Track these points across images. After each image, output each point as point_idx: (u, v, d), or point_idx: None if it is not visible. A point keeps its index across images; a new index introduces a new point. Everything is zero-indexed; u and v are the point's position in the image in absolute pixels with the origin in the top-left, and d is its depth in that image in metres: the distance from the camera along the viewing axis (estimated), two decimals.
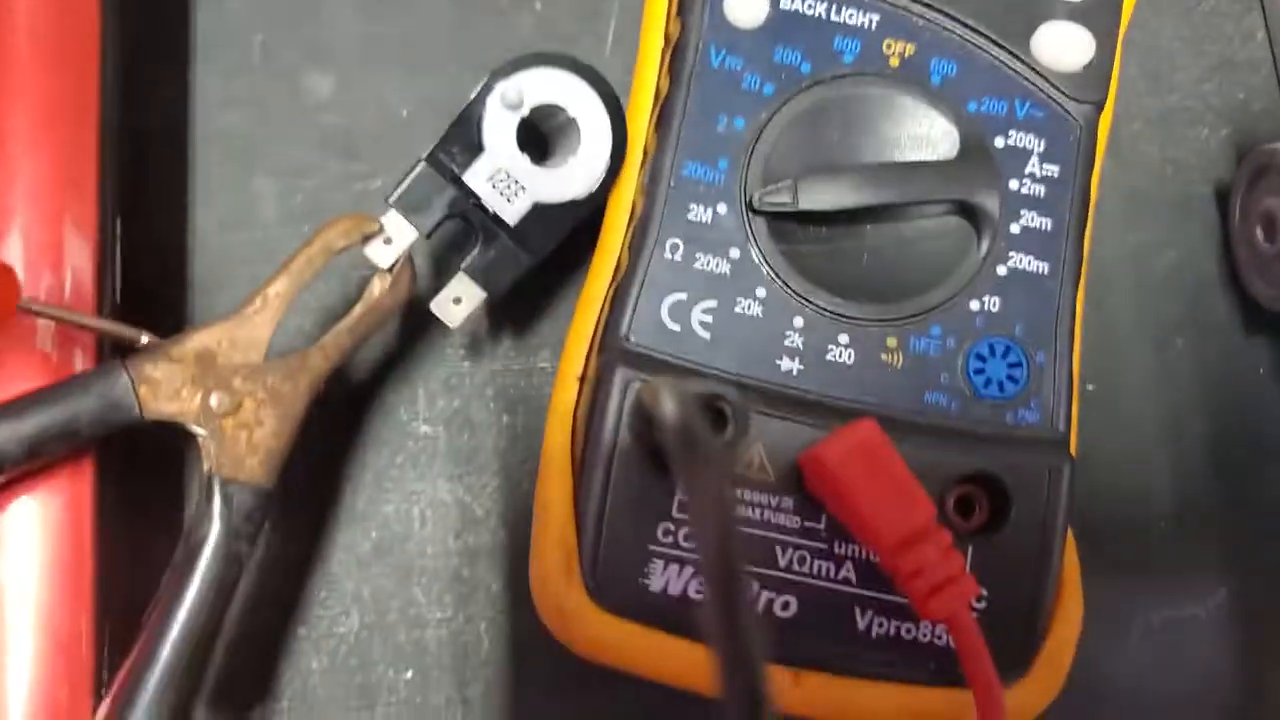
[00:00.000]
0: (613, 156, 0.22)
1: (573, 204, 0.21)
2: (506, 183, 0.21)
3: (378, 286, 0.21)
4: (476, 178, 0.21)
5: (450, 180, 0.21)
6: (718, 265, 0.21)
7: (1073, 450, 0.21)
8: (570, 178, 0.21)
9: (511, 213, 0.21)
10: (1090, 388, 0.26)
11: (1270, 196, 0.25)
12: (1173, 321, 0.27)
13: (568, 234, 0.22)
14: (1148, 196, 0.28)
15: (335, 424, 0.24)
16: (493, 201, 0.21)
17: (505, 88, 0.21)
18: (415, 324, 0.25)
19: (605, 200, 0.22)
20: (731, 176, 0.21)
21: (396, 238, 0.21)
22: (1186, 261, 0.27)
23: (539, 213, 0.21)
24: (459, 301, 0.21)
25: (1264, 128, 0.28)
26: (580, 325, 0.21)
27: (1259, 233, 0.26)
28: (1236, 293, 0.27)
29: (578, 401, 0.21)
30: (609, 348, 0.20)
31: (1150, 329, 0.27)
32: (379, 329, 0.22)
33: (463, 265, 0.21)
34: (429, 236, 0.21)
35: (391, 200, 0.21)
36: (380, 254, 0.21)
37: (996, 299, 0.21)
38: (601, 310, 0.21)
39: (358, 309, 0.21)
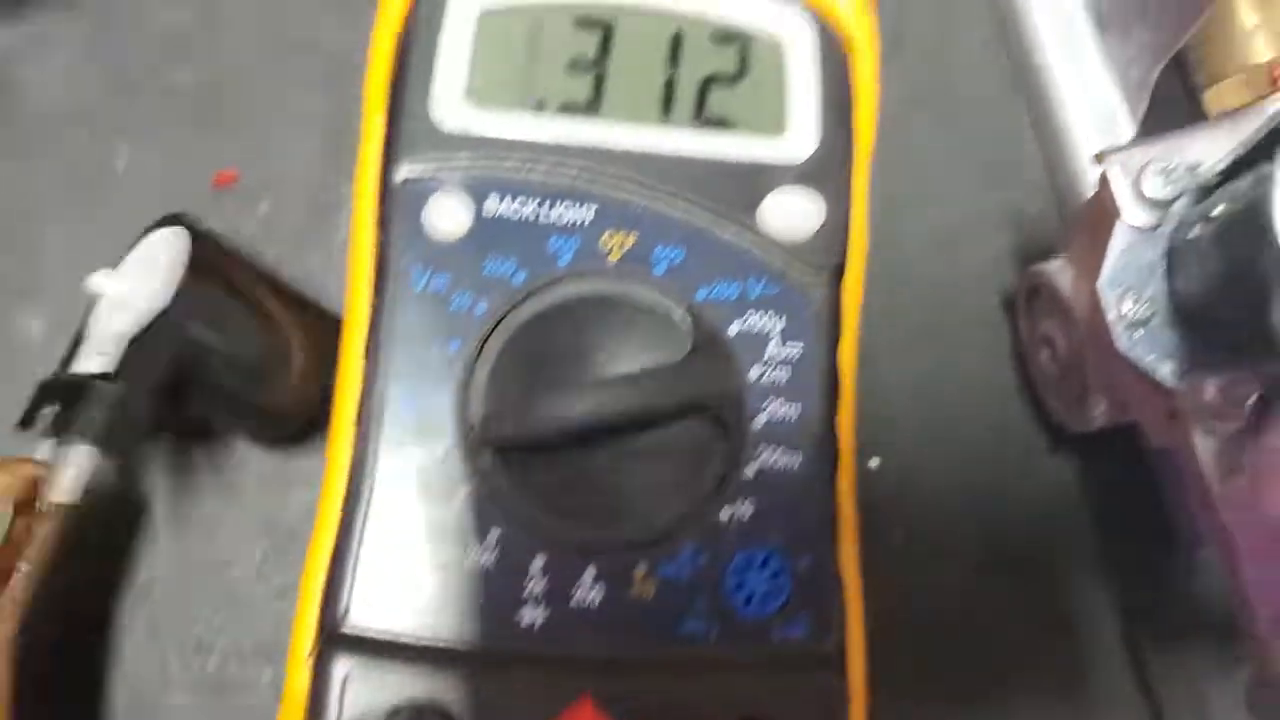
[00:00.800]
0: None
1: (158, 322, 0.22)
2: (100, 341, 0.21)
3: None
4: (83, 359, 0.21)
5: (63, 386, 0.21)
6: (443, 512, 0.19)
7: (857, 651, 0.20)
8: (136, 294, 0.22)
9: (109, 360, 0.21)
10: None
11: (1046, 319, 0.24)
12: (975, 438, 0.26)
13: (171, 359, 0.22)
14: (939, 319, 0.27)
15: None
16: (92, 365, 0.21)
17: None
18: None
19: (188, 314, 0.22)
20: (450, 409, 0.19)
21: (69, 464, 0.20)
22: (980, 376, 0.27)
23: (135, 348, 0.21)
24: (72, 471, 0.21)
25: (1042, 231, 0.28)
26: (307, 595, 0.19)
27: (1043, 354, 0.25)
28: (1035, 406, 0.26)
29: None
30: (326, 629, 0.18)
31: (952, 447, 0.26)
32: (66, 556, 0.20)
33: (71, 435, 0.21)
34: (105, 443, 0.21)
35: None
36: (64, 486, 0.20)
37: (749, 504, 0.19)
38: (322, 577, 0.19)
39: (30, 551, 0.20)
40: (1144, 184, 0.20)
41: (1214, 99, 0.25)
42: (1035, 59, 0.28)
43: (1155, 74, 0.25)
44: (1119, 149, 0.21)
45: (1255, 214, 0.17)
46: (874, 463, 0.25)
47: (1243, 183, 0.18)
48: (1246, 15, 0.25)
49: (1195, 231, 0.20)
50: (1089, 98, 0.27)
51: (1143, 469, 0.25)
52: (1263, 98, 0.24)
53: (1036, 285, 0.24)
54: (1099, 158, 0.21)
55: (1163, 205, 0.20)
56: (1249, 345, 0.18)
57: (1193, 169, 0.20)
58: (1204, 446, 0.20)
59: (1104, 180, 0.21)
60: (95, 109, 0.25)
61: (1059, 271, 0.24)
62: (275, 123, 0.25)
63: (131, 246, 0.22)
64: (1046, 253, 0.25)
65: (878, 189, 0.26)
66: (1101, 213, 0.21)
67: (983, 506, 0.26)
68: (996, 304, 0.27)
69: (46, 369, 0.22)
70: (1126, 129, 0.26)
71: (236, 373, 0.23)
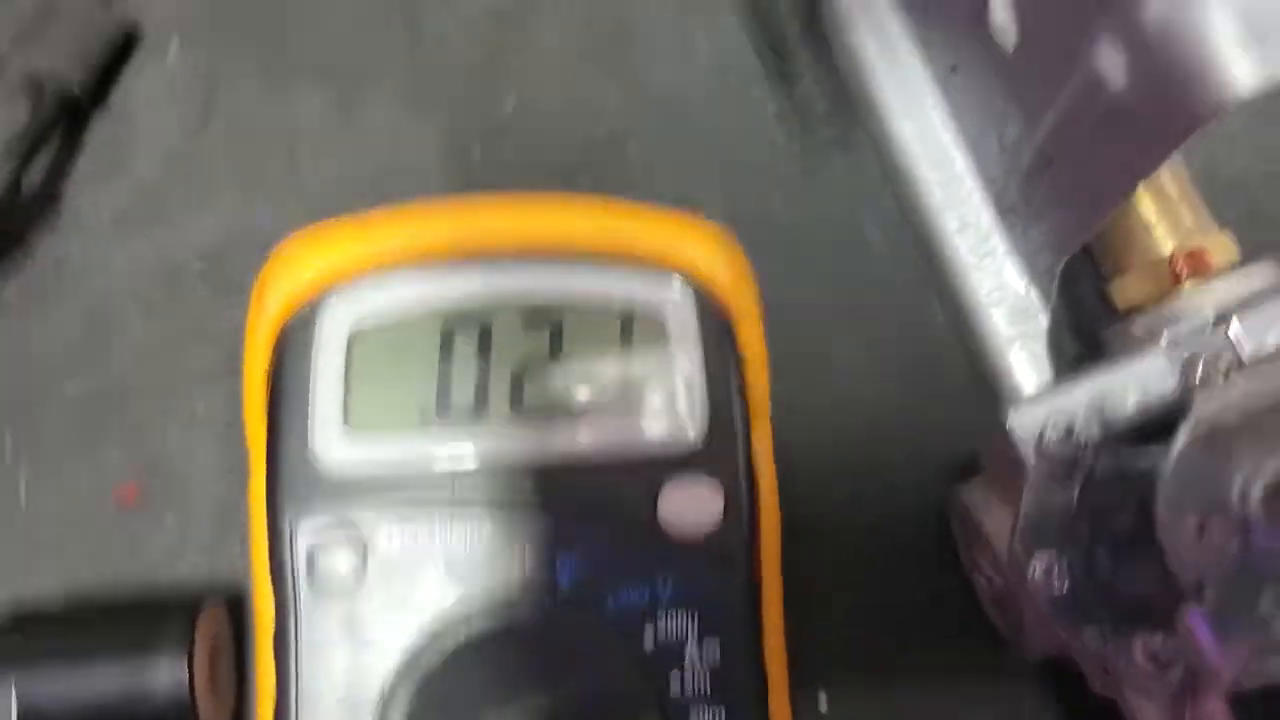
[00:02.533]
0: None
1: None
2: None
3: None
4: None
5: None
6: None
7: None
8: None
9: None
10: None
11: (976, 545, 0.24)
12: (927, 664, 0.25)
13: None
14: (873, 537, 0.26)
15: None
16: None
17: None
18: None
19: None
20: None
21: None
22: (925, 595, 0.26)
23: None
24: None
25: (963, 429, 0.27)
26: None
27: (979, 578, 0.24)
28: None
29: None
30: None
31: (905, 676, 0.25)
32: None
33: None
34: None
35: None
36: None
37: None
38: None
39: None
40: (1044, 441, 0.20)
41: (1119, 291, 0.25)
42: (944, 251, 0.28)
43: (1059, 266, 0.25)
44: (1022, 405, 0.20)
45: (1146, 497, 0.17)
46: (823, 704, 0.25)
47: (1139, 455, 0.18)
48: (1145, 209, 0.24)
49: (1100, 489, 0.19)
50: (1001, 288, 0.27)
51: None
52: (1164, 292, 0.24)
53: (955, 510, 0.24)
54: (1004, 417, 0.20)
55: (1069, 461, 0.20)
56: (1157, 613, 0.18)
57: (1098, 415, 0.20)
58: (1143, 706, 0.19)
59: (1009, 433, 0.20)
60: None
61: (981, 502, 0.23)
62: (172, 425, 0.25)
63: None
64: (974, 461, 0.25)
65: (790, 402, 0.26)
66: (1011, 462, 0.21)
67: None
68: (932, 515, 0.26)
69: None
70: (1041, 316, 0.26)
71: None
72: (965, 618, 0.25)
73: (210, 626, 0.22)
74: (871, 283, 0.28)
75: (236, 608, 0.23)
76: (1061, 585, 0.19)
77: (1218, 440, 0.16)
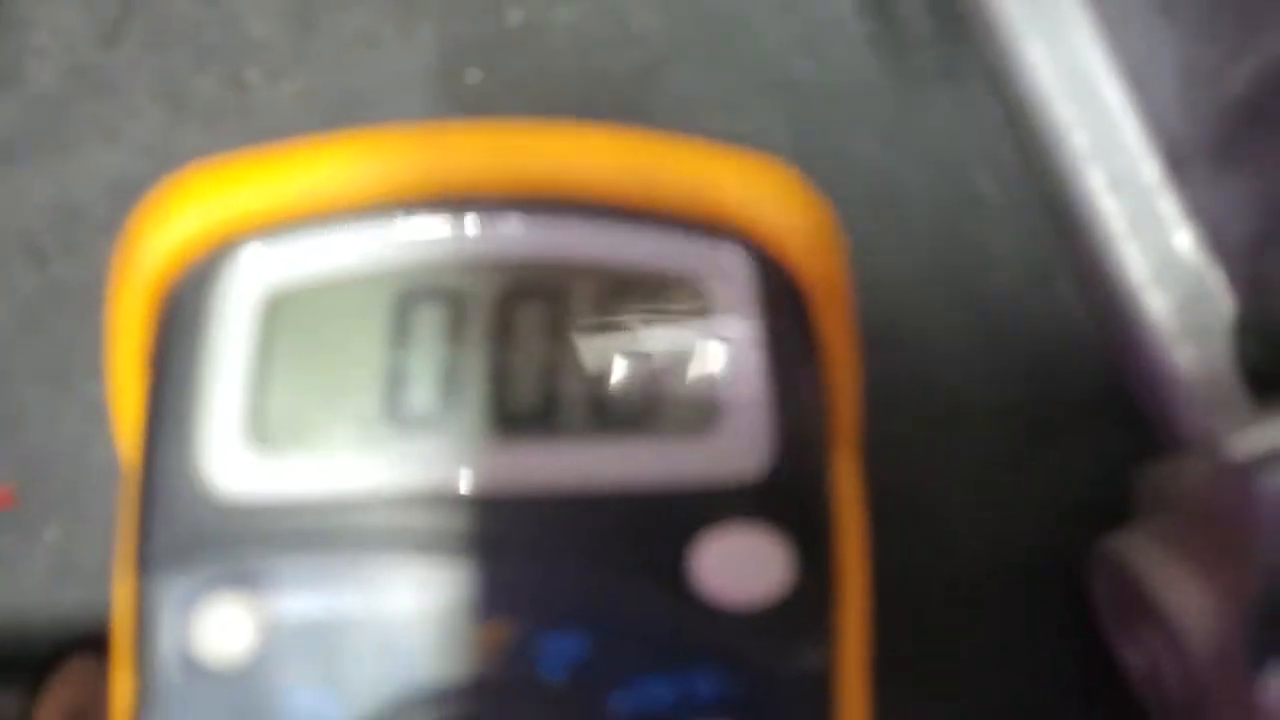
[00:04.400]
0: None
1: None
2: None
3: None
4: None
5: None
6: None
7: None
8: None
9: None
10: None
11: (1136, 618, 0.17)
12: None
13: None
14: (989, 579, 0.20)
15: None
16: None
17: None
18: None
19: None
20: None
21: None
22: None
23: None
24: None
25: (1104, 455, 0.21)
26: None
27: (1133, 655, 0.18)
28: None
29: None
30: None
31: None
32: None
33: None
34: None
35: None
36: None
37: None
38: None
39: None
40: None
41: None
42: (1086, 214, 0.21)
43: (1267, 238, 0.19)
44: (1250, 427, 0.14)
45: None
46: None
47: None
48: None
49: None
50: (1167, 265, 0.20)
51: None
52: None
53: (1112, 572, 0.18)
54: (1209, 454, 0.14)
55: None
56: None
57: None
58: None
59: (1223, 470, 0.14)
60: None
61: (1147, 560, 0.17)
62: (64, 414, 0.20)
63: None
64: (1117, 496, 0.19)
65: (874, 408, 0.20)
66: (1213, 511, 0.15)
67: None
68: (1058, 566, 0.20)
69: None
70: (1224, 304, 0.20)
71: None
72: (1095, 695, 0.20)
73: (72, 689, 0.16)
74: (984, 252, 0.23)
75: None
76: None
77: None
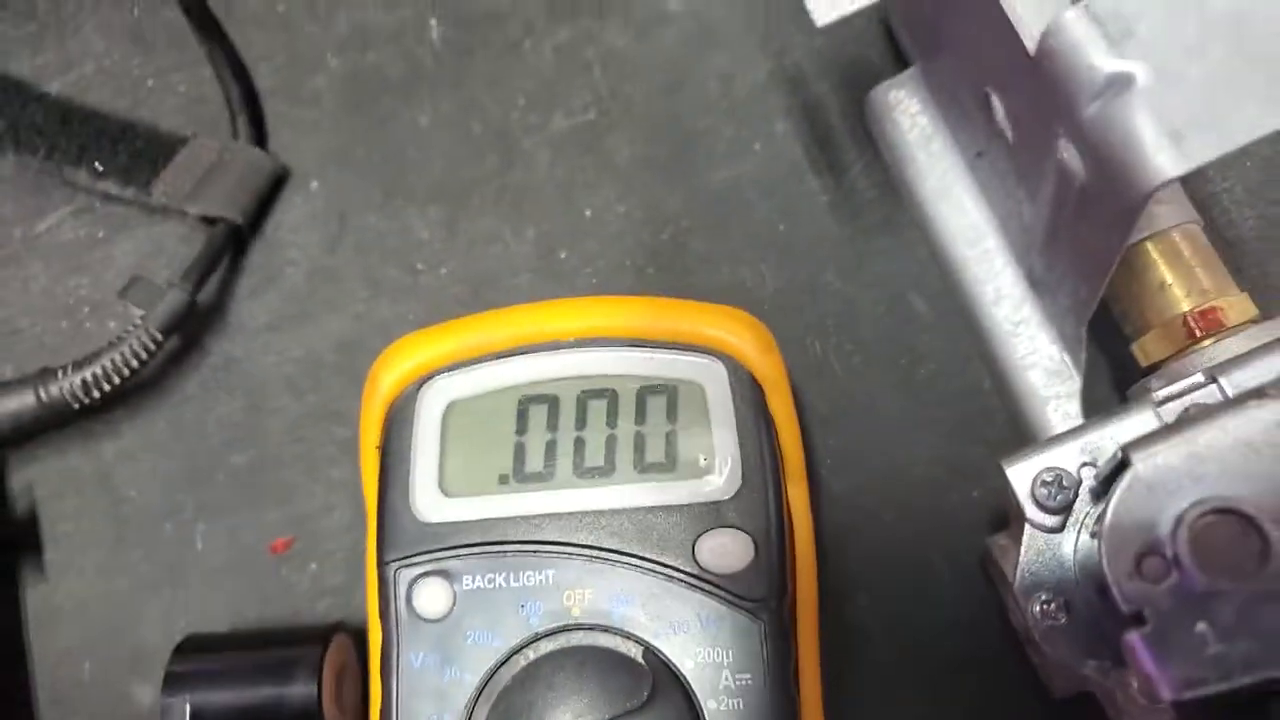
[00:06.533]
0: None
1: None
2: None
3: None
4: None
5: None
6: None
7: None
8: None
9: None
10: None
11: (1003, 588, 0.26)
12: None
13: None
14: (923, 579, 0.28)
15: None
16: None
17: None
18: None
19: None
20: None
21: None
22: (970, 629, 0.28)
23: None
24: None
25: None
26: None
27: (1011, 617, 0.26)
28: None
29: None
30: None
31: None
32: None
33: None
34: None
35: None
36: None
37: None
38: None
39: None
40: (1036, 491, 0.22)
41: (1141, 349, 0.26)
42: (983, 320, 0.30)
43: (1083, 330, 0.27)
44: (1015, 458, 0.22)
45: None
46: None
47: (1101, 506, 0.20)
48: (1161, 271, 0.26)
49: (1085, 536, 0.21)
50: (1035, 352, 0.29)
51: None
52: (1181, 350, 0.25)
53: (991, 560, 0.26)
54: (1000, 466, 0.22)
55: (1061, 509, 0.22)
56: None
57: (1090, 467, 0.22)
58: None
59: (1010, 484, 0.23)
60: (179, 500, 0.30)
61: (1004, 551, 0.25)
62: (316, 489, 0.30)
63: None
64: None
65: (843, 458, 0.28)
66: (1016, 510, 0.23)
67: None
68: (977, 564, 0.28)
69: None
70: (1074, 378, 0.28)
71: None
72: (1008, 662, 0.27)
73: (338, 654, 0.27)
74: (920, 349, 0.30)
75: (362, 639, 0.27)
76: (1056, 620, 0.21)
77: (1154, 486, 0.18)
